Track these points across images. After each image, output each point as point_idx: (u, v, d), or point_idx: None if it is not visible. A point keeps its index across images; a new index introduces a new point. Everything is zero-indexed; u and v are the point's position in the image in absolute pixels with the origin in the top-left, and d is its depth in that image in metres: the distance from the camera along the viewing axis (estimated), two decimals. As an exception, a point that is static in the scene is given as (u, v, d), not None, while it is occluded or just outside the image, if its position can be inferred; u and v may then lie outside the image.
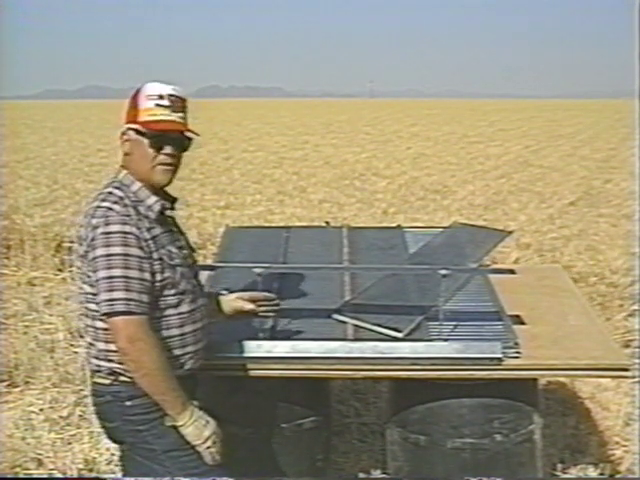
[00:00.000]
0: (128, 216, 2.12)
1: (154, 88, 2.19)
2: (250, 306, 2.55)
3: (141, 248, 2.10)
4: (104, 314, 2.08)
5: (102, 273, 2.07)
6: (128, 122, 2.20)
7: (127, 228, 2.10)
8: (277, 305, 2.62)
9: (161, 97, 2.17)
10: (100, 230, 2.09)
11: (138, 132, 2.17)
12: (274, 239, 3.55)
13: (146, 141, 2.17)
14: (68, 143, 21.32)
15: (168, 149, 2.18)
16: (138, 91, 2.20)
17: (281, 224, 7.65)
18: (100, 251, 2.08)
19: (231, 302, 2.55)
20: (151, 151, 2.17)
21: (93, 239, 2.10)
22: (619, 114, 35.67)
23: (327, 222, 4.28)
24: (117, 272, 2.06)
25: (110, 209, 2.12)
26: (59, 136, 24.16)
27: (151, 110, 2.16)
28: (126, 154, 2.21)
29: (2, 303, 5.68)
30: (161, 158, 2.18)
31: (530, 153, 18.62)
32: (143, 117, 2.17)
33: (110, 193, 2.17)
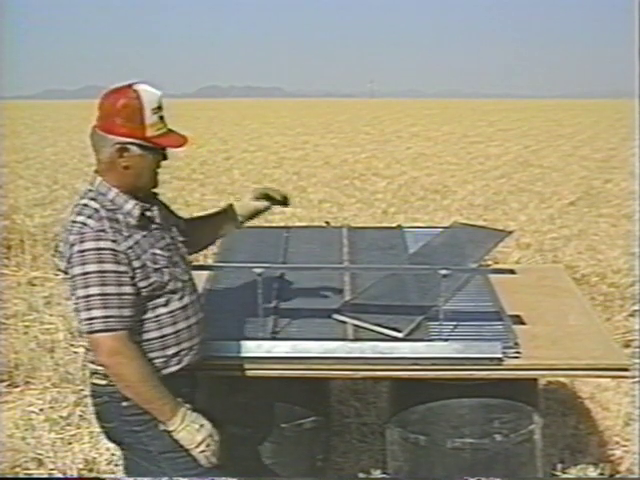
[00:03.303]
0: (102, 230, 2.07)
1: (153, 99, 2.11)
2: (265, 204, 2.57)
3: (118, 262, 2.07)
4: (85, 332, 2.09)
5: (80, 292, 2.06)
6: (131, 136, 2.09)
7: (102, 244, 2.06)
8: (287, 204, 2.63)
9: (159, 108, 2.12)
10: (76, 248, 2.07)
11: (143, 147, 2.12)
12: (274, 239, 3.55)
13: (152, 156, 2.14)
14: (68, 143, 21.30)
15: (166, 158, 2.19)
16: (138, 101, 2.08)
17: (281, 224, 7.65)
18: (77, 270, 2.06)
19: (246, 206, 2.56)
20: (154, 164, 2.16)
21: (70, 257, 2.08)
22: (619, 114, 35.67)
23: (327, 222, 4.28)
24: (94, 290, 2.05)
25: (85, 225, 2.08)
26: (59, 136, 24.15)
27: (157, 125, 2.11)
28: (125, 167, 2.13)
29: (2, 303, 5.68)
30: (158, 167, 2.19)
31: (530, 153, 18.61)
32: (151, 132, 2.10)
33: (85, 205, 2.13)
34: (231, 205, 2.58)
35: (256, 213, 2.58)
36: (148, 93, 2.10)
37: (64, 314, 5.32)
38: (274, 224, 7.86)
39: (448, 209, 9.84)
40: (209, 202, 10.07)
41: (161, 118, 2.13)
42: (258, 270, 2.65)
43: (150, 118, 2.10)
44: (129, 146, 2.11)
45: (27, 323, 5.26)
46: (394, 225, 3.98)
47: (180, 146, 2.16)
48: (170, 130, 2.17)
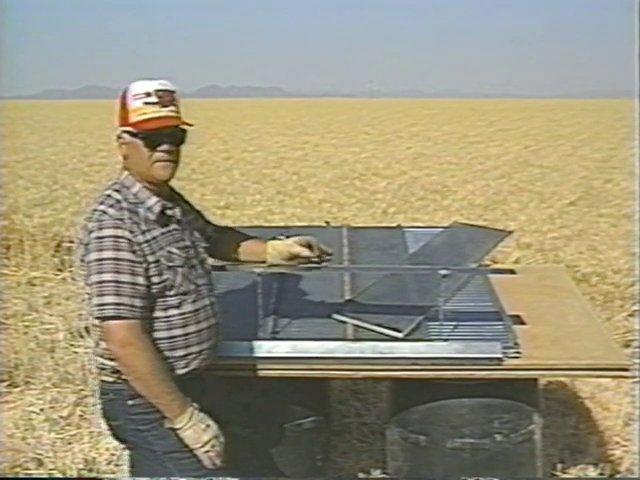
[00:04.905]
0: (121, 220, 2.11)
1: (140, 86, 2.15)
2: (307, 252, 2.54)
3: (134, 252, 2.10)
4: (96, 318, 2.11)
5: (94, 277, 2.09)
6: (121, 125, 2.18)
7: (119, 232, 2.10)
8: (330, 259, 2.62)
9: (148, 94, 2.14)
10: (94, 234, 2.10)
11: (131, 134, 2.16)
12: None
13: (140, 141, 2.15)
14: (68, 143, 21.33)
15: (164, 146, 2.16)
16: (125, 92, 2.17)
17: (281, 224, 7.65)
18: (93, 255, 2.09)
19: (288, 246, 2.54)
20: (146, 150, 2.16)
21: (88, 243, 2.12)
22: (619, 114, 35.67)
23: (327, 222, 4.27)
24: (108, 276, 2.07)
25: (104, 213, 2.13)
26: (59, 136, 24.17)
27: (141, 109, 2.14)
28: (124, 157, 2.21)
29: (2, 303, 5.68)
30: (158, 155, 2.16)
31: (530, 153, 18.62)
32: (133, 118, 2.14)
33: (108, 196, 2.18)
34: (271, 241, 2.57)
35: (294, 257, 2.56)
36: (137, 83, 2.17)
37: (64, 314, 5.32)
38: (274, 224, 7.87)
39: (448, 209, 9.85)
40: (209, 202, 10.07)
41: (150, 104, 2.13)
42: (258, 270, 2.65)
43: (132, 104, 2.15)
44: (121, 133, 2.18)
45: (27, 323, 5.26)
46: (394, 225, 3.98)
47: (158, 128, 2.13)
48: (163, 116, 2.14)
